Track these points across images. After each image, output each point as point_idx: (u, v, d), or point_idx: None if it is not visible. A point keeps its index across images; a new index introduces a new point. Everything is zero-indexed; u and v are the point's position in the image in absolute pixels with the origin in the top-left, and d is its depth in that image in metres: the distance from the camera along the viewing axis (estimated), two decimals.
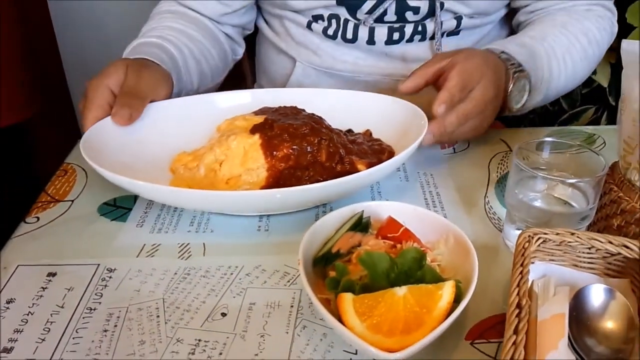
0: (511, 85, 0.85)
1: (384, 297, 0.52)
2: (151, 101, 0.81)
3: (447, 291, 0.52)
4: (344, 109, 0.86)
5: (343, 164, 0.74)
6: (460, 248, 0.59)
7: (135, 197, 0.79)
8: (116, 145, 0.76)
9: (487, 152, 0.88)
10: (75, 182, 0.82)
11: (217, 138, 0.78)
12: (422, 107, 0.81)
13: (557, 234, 0.58)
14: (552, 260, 0.61)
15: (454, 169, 0.84)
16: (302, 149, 0.73)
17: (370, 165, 0.74)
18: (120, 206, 0.77)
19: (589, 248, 0.58)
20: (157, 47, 0.92)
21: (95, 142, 0.73)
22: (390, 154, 0.78)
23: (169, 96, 0.86)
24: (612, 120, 1.39)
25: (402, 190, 0.80)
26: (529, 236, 0.58)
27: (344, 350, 0.55)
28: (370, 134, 0.84)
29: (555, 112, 1.41)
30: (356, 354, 0.55)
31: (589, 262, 0.60)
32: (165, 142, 0.81)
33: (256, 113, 0.81)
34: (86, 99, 0.78)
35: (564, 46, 0.93)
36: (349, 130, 0.84)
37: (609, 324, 0.53)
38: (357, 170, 0.73)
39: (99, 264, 0.66)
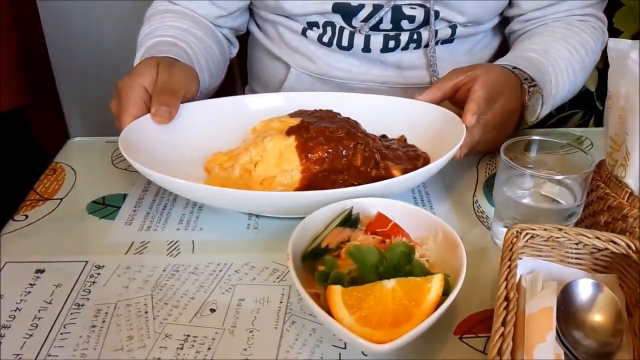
0: (528, 99, 0.85)
1: (372, 290, 0.52)
2: (183, 98, 0.81)
3: (435, 284, 0.52)
4: (378, 114, 0.84)
5: (378, 169, 0.74)
6: (448, 244, 0.59)
7: (124, 196, 0.78)
8: (151, 144, 0.76)
9: None
10: (64, 180, 0.82)
11: (252, 139, 0.77)
12: None
13: (545, 229, 0.58)
14: (540, 256, 0.61)
15: (442, 169, 0.84)
16: (338, 153, 0.73)
17: (405, 171, 0.73)
18: (109, 204, 0.77)
19: (577, 244, 0.59)
20: (173, 46, 0.91)
21: (131, 140, 0.73)
22: (426, 160, 0.78)
23: (198, 92, 0.86)
24: (599, 124, 1.40)
25: None
26: (517, 232, 0.58)
27: (332, 345, 0.55)
28: (405, 140, 0.83)
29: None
30: (345, 348, 0.55)
31: (576, 258, 0.61)
32: (198, 142, 0.80)
33: (292, 115, 0.80)
34: (120, 98, 0.78)
35: (565, 59, 0.95)
36: (383, 136, 0.83)
37: (597, 318, 0.54)
38: (392, 176, 0.72)
39: (87, 261, 0.66)
